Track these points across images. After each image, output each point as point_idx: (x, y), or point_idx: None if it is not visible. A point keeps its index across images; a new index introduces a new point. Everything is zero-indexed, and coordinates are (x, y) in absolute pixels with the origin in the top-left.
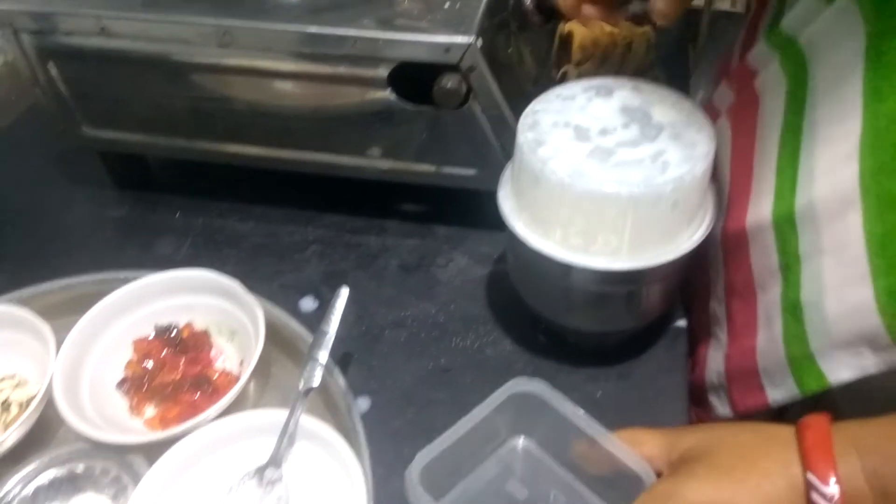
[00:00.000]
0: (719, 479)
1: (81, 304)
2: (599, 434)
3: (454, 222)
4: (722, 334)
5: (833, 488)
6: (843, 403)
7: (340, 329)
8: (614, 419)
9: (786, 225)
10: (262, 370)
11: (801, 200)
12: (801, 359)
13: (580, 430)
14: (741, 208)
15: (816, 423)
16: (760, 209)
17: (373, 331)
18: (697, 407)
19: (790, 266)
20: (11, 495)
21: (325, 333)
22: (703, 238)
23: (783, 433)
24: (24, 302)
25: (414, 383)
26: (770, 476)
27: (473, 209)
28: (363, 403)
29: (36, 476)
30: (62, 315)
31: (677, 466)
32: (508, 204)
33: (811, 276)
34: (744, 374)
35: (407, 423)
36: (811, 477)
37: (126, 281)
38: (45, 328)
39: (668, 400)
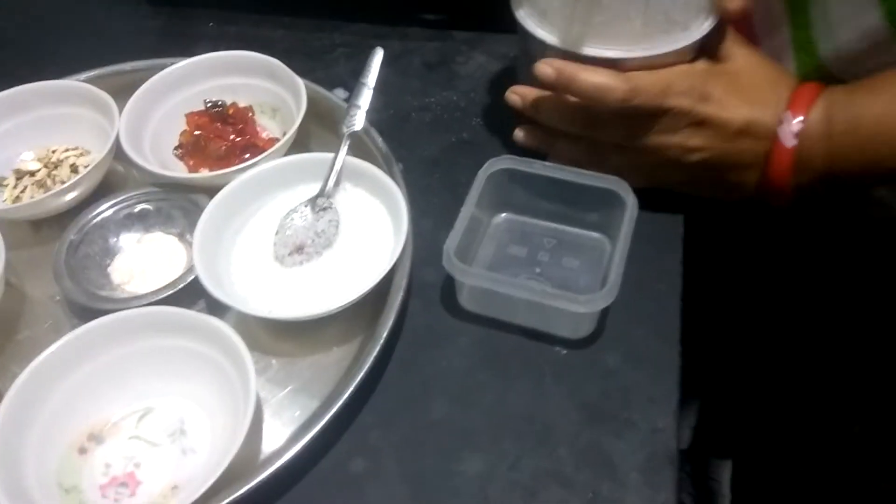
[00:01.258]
0: (731, 96)
1: (134, 87)
2: (569, 172)
3: (472, 27)
4: None
5: (795, 126)
6: None
7: (370, 113)
8: None
9: None
10: (302, 142)
11: None
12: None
13: (551, 179)
14: None
15: (813, 85)
16: None
17: (400, 114)
18: None
19: (797, 7)
20: (85, 230)
21: (363, 86)
22: (714, 25)
23: (789, 81)
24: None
25: (440, 151)
26: (766, 105)
27: (489, 14)
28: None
29: (109, 215)
30: (117, 97)
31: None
32: (524, 8)
33: (820, 13)
34: None
35: (435, 181)
36: (786, 114)
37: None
38: (106, 97)
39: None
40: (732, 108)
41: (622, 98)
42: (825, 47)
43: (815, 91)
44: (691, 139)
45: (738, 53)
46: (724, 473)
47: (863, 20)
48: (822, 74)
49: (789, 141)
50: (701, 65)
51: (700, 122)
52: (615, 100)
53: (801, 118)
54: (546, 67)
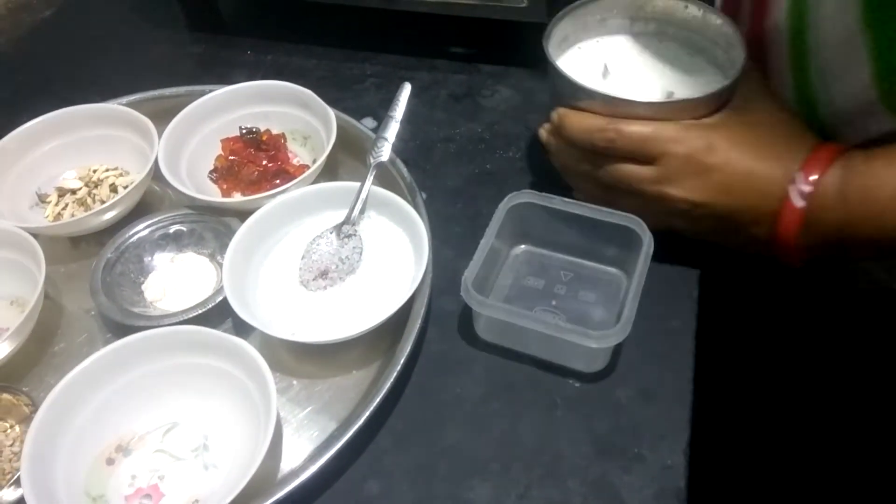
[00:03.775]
0: (737, 148)
1: (174, 112)
2: (587, 208)
3: (498, 61)
4: None
5: (806, 187)
6: None
7: (397, 142)
8: None
9: (798, 20)
10: (331, 170)
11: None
12: None
13: (569, 214)
14: (760, 11)
15: (832, 147)
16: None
17: (426, 144)
18: None
19: (799, 64)
20: (121, 249)
21: (391, 118)
22: (730, 84)
23: (809, 140)
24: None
25: (463, 182)
26: (777, 161)
27: (516, 49)
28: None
29: (144, 235)
30: (156, 121)
31: (704, 127)
32: (554, 40)
33: (818, 70)
34: None
35: (457, 211)
36: (798, 174)
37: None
38: (146, 121)
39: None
40: (736, 160)
41: (608, 139)
42: (822, 106)
43: (832, 153)
44: (694, 192)
45: (760, 107)
46: None
47: (854, 78)
48: (825, 136)
49: (798, 201)
50: (714, 117)
51: (702, 173)
52: (601, 139)
53: (813, 179)
54: (553, 113)
